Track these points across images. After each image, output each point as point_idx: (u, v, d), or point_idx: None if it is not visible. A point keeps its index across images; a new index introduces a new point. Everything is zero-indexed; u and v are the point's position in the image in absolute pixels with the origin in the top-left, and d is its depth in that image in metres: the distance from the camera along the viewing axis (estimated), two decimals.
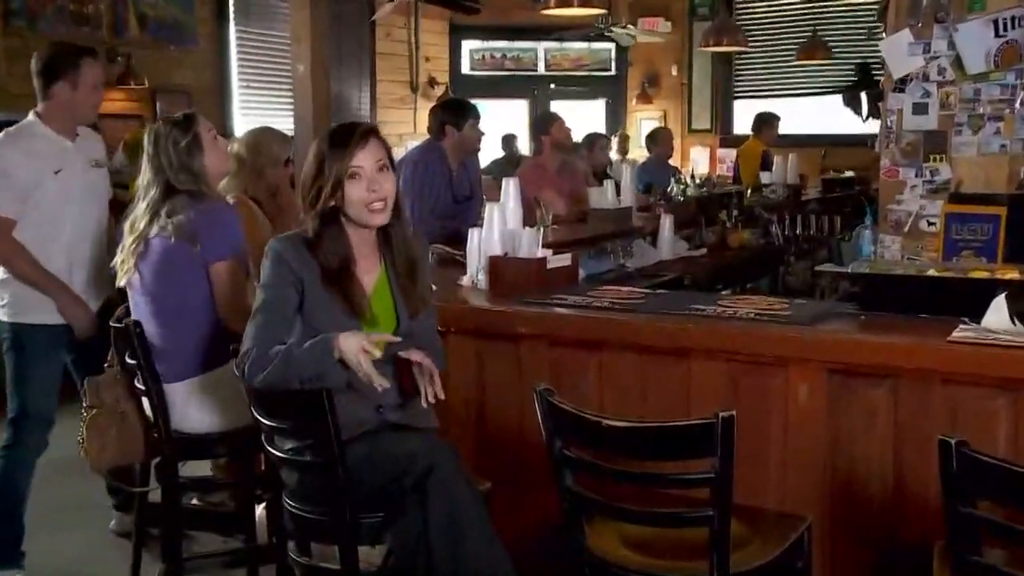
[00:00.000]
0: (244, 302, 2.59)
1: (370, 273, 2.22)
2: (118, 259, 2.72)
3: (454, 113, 4.42)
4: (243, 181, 3.48)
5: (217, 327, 2.66)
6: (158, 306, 2.65)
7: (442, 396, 2.12)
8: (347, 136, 2.13)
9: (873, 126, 7.25)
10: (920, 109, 3.54)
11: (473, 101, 4.82)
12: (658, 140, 7.21)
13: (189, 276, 2.63)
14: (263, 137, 3.53)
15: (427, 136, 4.64)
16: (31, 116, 3.08)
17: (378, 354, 2.03)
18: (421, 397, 2.12)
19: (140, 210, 2.70)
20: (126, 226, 2.72)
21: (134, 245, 2.67)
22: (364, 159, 2.12)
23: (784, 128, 7.75)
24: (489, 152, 7.84)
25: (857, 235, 3.81)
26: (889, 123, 3.62)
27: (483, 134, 4.54)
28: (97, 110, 3.20)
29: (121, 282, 2.72)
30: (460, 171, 4.45)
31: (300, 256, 2.13)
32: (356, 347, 2.00)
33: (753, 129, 7.69)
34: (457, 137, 4.37)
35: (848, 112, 8.77)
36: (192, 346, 2.65)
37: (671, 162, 7.47)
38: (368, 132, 2.16)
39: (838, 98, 8.87)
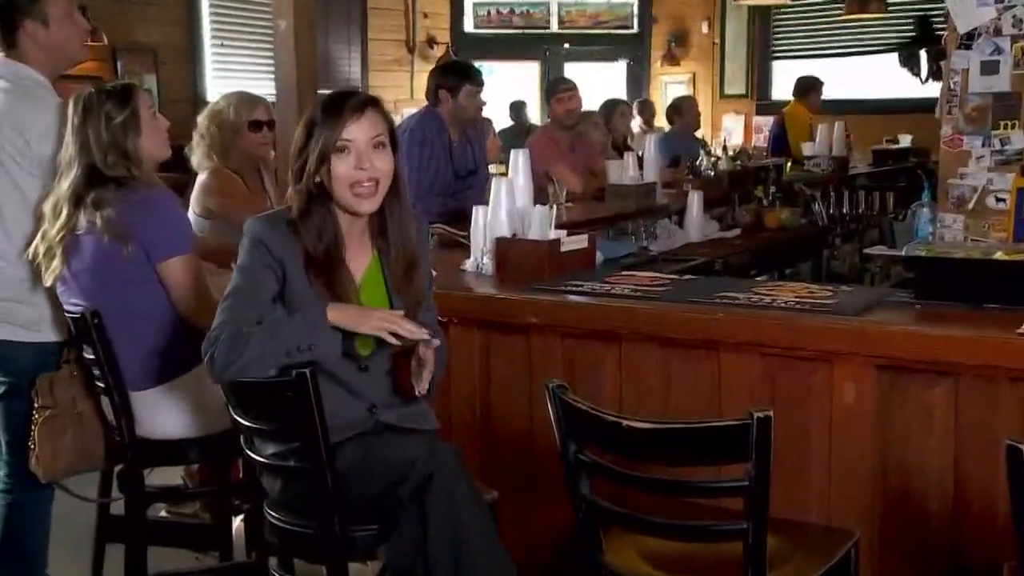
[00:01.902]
0: (209, 297, 2.57)
1: (360, 259, 2.22)
2: (40, 247, 2.59)
3: (450, 77, 4.41)
4: (216, 156, 3.49)
5: (180, 330, 2.61)
6: (101, 312, 2.55)
7: (423, 392, 2.14)
8: (342, 103, 2.12)
9: (934, 89, 7.22)
10: (990, 68, 3.51)
11: (477, 63, 4.82)
12: (682, 111, 7.15)
13: (134, 278, 2.56)
14: (220, 104, 3.54)
15: (425, 103, 4.63)
16: (21, 67, 2.72)
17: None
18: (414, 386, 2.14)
19: (62, 192, 2.56)
20: (47, 208, 2.59)
21: (59, 235, 2.56)
22: (357, 131, 2.10)
23: (831, 93, 7.72)
24: (496, 121, 7.83)
25: (913, 214, 3.80)
26: (952, 85, 3.58)
27: (483, 103, 4.50)
28: (84, 51, 2.89)
29: (48, 281, 2.62)
30: (462, 142, 4.45)
31: (281, 238, 2.14)
32: (379, 324, 2.06)
33: (796, 94, 7.66)
34: (452, 104, 4.35)
35: (905, 74, 8.74)
36: (149, 354, 2.61)
37: (697, 134, 7.45)
38: (367, 102, 2.14)
39: (893, 57, 8.84)
